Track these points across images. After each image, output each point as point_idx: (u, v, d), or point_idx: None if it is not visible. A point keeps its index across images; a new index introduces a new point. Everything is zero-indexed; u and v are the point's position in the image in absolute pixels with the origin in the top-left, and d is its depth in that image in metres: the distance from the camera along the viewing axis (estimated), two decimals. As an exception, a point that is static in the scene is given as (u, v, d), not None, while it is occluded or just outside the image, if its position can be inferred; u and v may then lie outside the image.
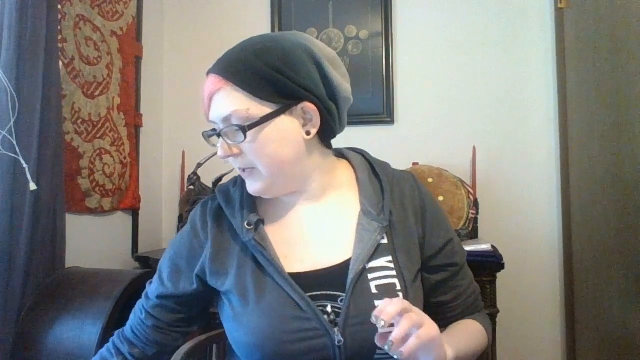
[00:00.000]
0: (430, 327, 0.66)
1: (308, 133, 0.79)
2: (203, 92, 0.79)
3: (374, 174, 0.87)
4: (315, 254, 0.80)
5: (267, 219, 0.84)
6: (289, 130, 0.77)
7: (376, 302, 0.74)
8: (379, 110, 2.14)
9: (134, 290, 1.42)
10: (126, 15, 2.03)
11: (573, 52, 1.88)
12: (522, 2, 2.08)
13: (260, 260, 0.78)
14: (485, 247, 1.65)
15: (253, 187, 0.80)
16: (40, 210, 1.43)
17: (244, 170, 0.80)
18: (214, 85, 0.76)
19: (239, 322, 0.78)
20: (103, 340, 1.28)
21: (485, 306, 1.67)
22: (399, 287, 0.77)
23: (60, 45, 1.61)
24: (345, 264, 0.77)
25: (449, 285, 0.87)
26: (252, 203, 0.84)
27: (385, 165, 0.90)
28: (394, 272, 0.78)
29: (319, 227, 0.83)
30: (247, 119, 0.75)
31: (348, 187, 0.86)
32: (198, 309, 0.89)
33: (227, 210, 0.85)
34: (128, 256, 2.04)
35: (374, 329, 0.68)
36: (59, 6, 1.60)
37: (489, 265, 1.62)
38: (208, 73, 0.79)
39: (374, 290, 0.75)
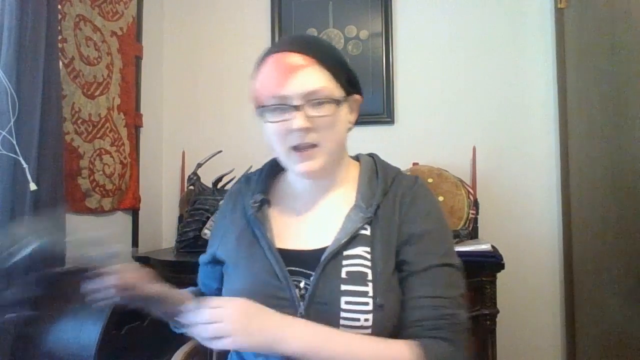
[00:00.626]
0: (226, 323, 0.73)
1: (350, 122, 0.89)
2: (274, 66, 0.83)
3: (377, 174, 0.92)
4: (305, 236, 0.88)
5: (274, 202, 0.93)
6: (345, 116, 0.88)
7: (342, 287, 0.78)
8: (379, 110, 2.14)
9: (134, 290, 1.42)
10: (126, 15, 2.03)
11: (573, 52, 1.88)
12: (522, 2, 2.08)
13: (257, 233, 0.88)
14: (485, 247, 1.65)
15: (313, 165, 0.84)
16: (40, 210, 1.42)
17: (303, 148, 0.83)
18: (301, 61, 0.82)
19: (230, 284, 0.88)
20: (103, 340, 1.28)
21: (485, 306, 1.70)
22: (370, 277, 0.79)
23: (60, 45, 1.61)
24: (323, 249, 0.83)
25: (405, 285, 0.81)
26: (265, 186, 0.94)
27: (390, 168, 0.93)
28: (368, 263, 0.81)
29: (316, 216, 0.90)
30: (330, 97, 0.82)
31: (352, 184, 0.91)
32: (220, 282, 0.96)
33: (244, 189, 0.95)
34: (128, 256, 2.04)
35: (335, 310, 0.77)
36: (59, 6, 1.60)
37: (489, 265, 1.62)
38: (279, 50, 0.84)
39: (343, 275, 0.80)
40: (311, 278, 0.81)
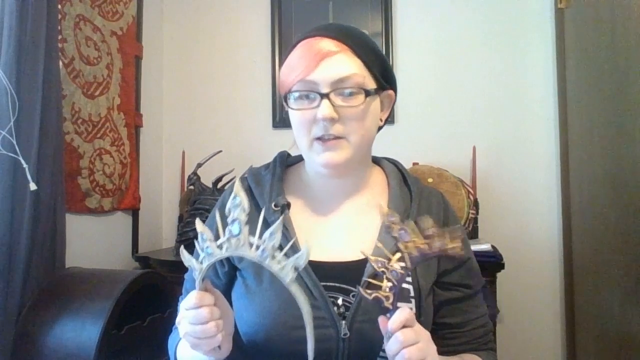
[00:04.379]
0: (424, 347, 0.64)
1: (380, 120, 0.84)
2: (304, 51, 0.78)
3: (405, 184, 0.88)
4: (336, 246, 0.80)
5: (294, 205, 0.84)
6: (378, 111, 0.82)
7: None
8: (379, 110, 2.14)
9: (134, 290, 1.42)
10: (126, 15, 2.03)
11: (573, 52, 1.88)
12: (522, 2, 2.08)
13: (282, 242, 0.78)
14: (485, 247, 1.65)
15: (338, 156, 0.77)
16: (40, 210, 1.42)
17: (329, 139, 0.77)
18: (336, 46, 0.77)
19: (249, 300, 0.79)
20: (103, 340, 1.28)
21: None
22: (412, 294, 0.77)
23: (60, 45, 1.61)
24: (363, 262, 0.77)
25: (458, 307, 0.84)
26: (280, 187, 0.85)
27: (416, 178, 0.91)
28: (409, 279, 0.78)
29: (344, 222, 0.83)
30: (361, 87, 0.77)
31: (379, 191, 0.87)
32: (222, 285, 0.88)
33: (256, 191, 0.85)
34: (128, 256, 2.04)
35: (379, 327, 0.69)
36: (59, 6, 1.60)
37: (489, 265, 1.62)
38: (311, 35, 0.79)
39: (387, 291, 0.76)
40: (351, 294, 0.76)
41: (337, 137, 0.76)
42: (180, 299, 0.94)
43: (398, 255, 0.65)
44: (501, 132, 2.08)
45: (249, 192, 0.86)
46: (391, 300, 0.64)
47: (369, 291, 0.64)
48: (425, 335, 0.66)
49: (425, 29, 2.16)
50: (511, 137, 2.07)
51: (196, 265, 0.66)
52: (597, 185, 1.64)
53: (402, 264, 0.65)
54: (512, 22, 2.09)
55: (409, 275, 0.70)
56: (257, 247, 0.61)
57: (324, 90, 0.75)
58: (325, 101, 0.75)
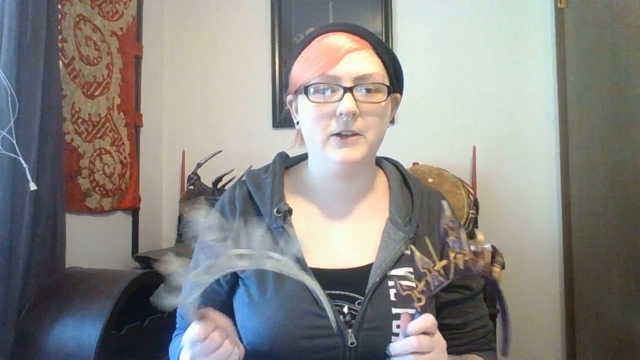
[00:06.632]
0: (435, 357, 0.64)
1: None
2: (325, 46, 0.77)
3: (405, 185, 0.88)
4: (339, 253, 0.79)
5: (295, 211, 0.82)
6: (390, 111, 0.82)
7: (393, 310, 0.74)
8: (379, 110, 2.14)
9: (134, 290, 1.42)
10: (126, 15, 2.03)
11: (573, 52, 1.88)
12: (522, 2, 2.08)
13: (284, 250, 0.78)
14: (485, 247, 1.65)
15: (355, 153, 0.76)
16: (40, 210, 1.42)
17: (349, 136, 0.76)
18: (357, 43, 0.77)
19: (253, 310, 0.77)
20: (103, 340, 1.28)
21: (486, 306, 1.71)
22: None
23: (60, 45, 1.60)
24: (367, 268, 0.77)
25: (459, 308, 0.84)
26: (281, 192, 0.83)
27: (417, 179, 0.91)
28: (413, 284, 0.77)
29: (347, 227, 0.82)
30: (383, 84, 0.77)
31: (381, 194, 0.86)
32: (225, 293, 0.86)
33: (256, 196, 0.83)
34: (128, 256, 2.04)
35: (387, 335, 0.70)
36: (59, 6, 1.60)
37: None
38: (329, 31, 0.79)
39: (392, 298, 0.75)
40: (357, 302, 0.75)
41: (355, 134, 0.75)
42: (178, 314, 0.91)
43: (444, 262, 0.64)
44: (501, 132, 2.08)
45: (249, 197, 0.84)
46: (422, 303, 0.63)
47: (404, 285, 0.64)
48: (441, 346, 0.65)
49: (425, 29, 2.16)
50: (511, 137, 2.07)
51: (187, 299, 0.61)
52: (597, 185, 1.65)
53: (442, 272, 0.64)
54: (512, 22, 2.09)
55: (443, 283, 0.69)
56: (245, 257, 0.60)
57: (347, 85, 0.74)
58: (348, 95, 0.74)
